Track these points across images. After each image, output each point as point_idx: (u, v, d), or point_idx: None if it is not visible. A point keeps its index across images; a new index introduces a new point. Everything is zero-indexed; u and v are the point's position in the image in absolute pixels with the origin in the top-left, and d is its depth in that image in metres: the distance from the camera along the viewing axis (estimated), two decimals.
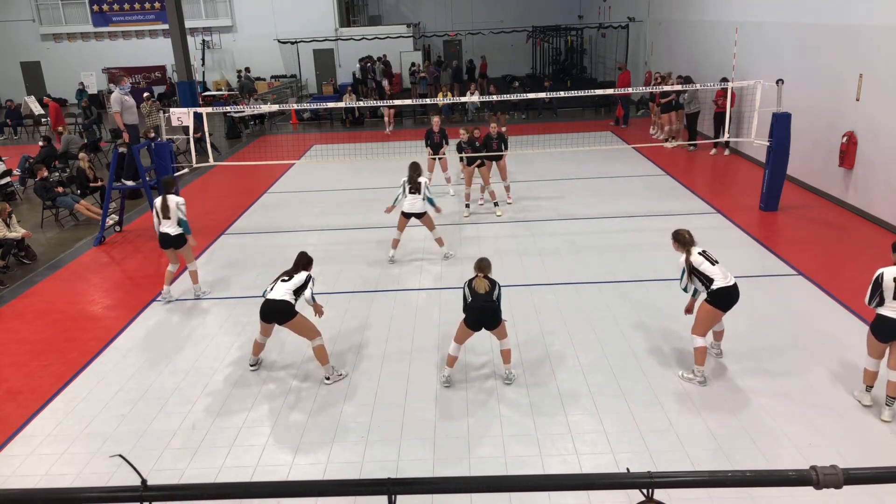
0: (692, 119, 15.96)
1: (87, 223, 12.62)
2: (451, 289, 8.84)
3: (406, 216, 9.61)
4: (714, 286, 6.15)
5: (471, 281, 6.44)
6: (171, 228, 8.51)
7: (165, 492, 2.31)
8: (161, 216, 8.51)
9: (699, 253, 6.28)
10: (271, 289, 6.65)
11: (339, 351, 7.38)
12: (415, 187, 9.49)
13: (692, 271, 6.23)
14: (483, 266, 6.47)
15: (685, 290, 6.43)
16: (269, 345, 7.37)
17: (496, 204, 11.93)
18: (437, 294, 8.74)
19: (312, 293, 6.77)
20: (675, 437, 5.68)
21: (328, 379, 6.74)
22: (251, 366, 7.10)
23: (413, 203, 9.47)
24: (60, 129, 17.86)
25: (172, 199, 8.55)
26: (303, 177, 15.42)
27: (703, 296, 6.32)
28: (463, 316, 6.45)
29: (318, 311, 6.87)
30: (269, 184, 14.90)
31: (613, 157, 15.74)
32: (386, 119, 20.25)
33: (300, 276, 6.70)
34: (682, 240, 6.36)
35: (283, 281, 6.68)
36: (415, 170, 9.61)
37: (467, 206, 11.98)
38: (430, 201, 9.58)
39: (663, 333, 7.41)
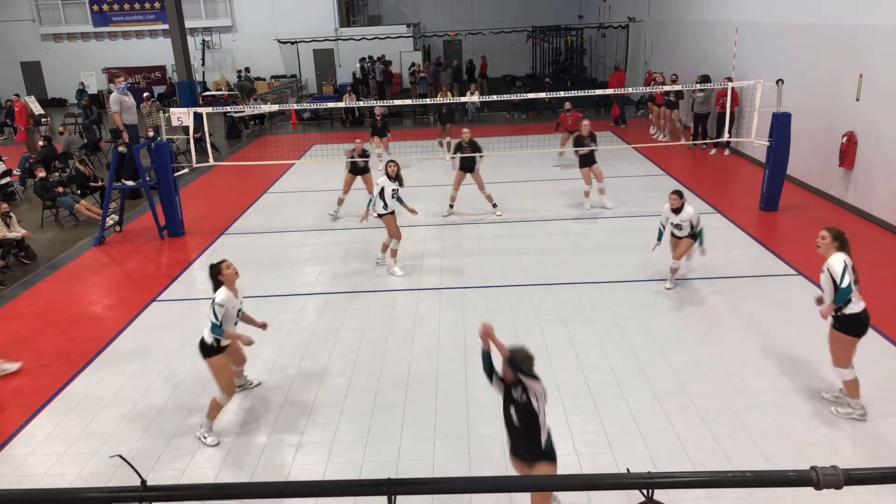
0: (702, 119, 15.82)
1: (87, 223, 12.62)
2: (451, 289, 8.84)
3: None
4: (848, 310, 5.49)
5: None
6: None
7: (165, 492, 2.31)
8: None
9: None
10: None
11: (339, 352, 7.38)
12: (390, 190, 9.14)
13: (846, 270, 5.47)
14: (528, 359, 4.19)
15: (848, 289, 5.44)
16: (267, 342, 7.37)
17: (495, 205, 11.88)
18: (437, 294, 8.74)
19: (216, 318, 5.58)
20: (675, 437, 5.67)
21: (200, 435, 5.91)
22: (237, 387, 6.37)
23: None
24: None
25: None
26: (303, 177, 15.42)
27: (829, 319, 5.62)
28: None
29: (238, 338, 5.81)
30: (269, 184, 14.91)
31: (613, 157, 15.71)
32: (378, 149, 14.82)
33: (213, 299, 5.69)
34: (843, 239, 5.60)
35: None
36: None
37: (451, 206, 11.88)
38: (370, 202, 9.25)
39: (664, 333, 7.41)
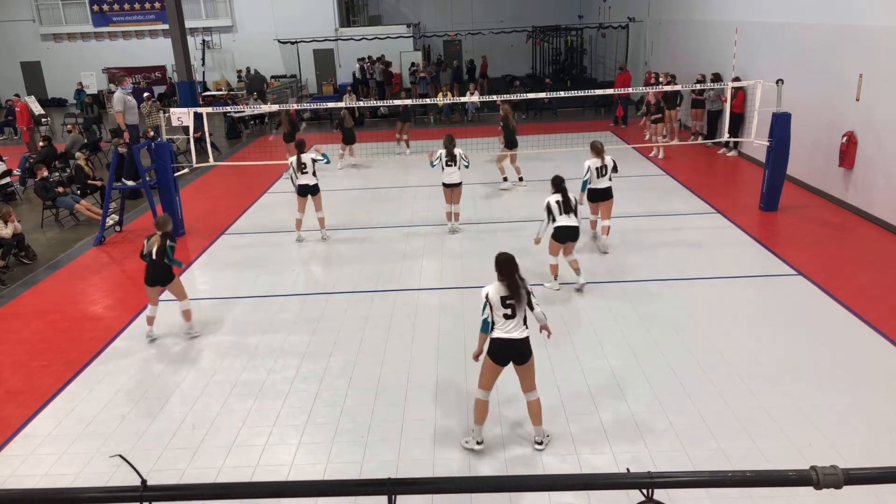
0: (713, 117, 15.77)
1: (88, 223, 12.62)
2: (451, 288, 8.84)
3: (447, 187, 10.40)
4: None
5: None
6: (308, 180, 10.48)
7: (165, 492, 2.31)
8: (299, 171, 10.43)
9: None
10: None
11: (339, 351, 7.38)
12: (451, 159, 10.25)
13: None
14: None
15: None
16: (267, 342, 7.37)
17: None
18: (437, 294, 8.74)
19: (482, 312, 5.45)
20: (675, 437, 5.67)
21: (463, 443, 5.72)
22: None
23: (451, 174, 10.30)
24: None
25: (307, 156, 10.37)
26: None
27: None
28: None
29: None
30: (269, 184, 14.90)
31: (613, 157, 15.68)
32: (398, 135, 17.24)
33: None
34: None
35: None
36: (451, 142, 10.31)
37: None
38: (466, 167, 10.48)
39: (663, 333, 7.41)
